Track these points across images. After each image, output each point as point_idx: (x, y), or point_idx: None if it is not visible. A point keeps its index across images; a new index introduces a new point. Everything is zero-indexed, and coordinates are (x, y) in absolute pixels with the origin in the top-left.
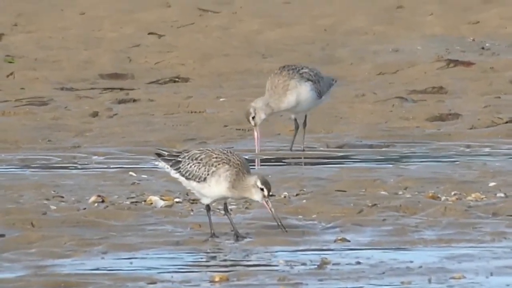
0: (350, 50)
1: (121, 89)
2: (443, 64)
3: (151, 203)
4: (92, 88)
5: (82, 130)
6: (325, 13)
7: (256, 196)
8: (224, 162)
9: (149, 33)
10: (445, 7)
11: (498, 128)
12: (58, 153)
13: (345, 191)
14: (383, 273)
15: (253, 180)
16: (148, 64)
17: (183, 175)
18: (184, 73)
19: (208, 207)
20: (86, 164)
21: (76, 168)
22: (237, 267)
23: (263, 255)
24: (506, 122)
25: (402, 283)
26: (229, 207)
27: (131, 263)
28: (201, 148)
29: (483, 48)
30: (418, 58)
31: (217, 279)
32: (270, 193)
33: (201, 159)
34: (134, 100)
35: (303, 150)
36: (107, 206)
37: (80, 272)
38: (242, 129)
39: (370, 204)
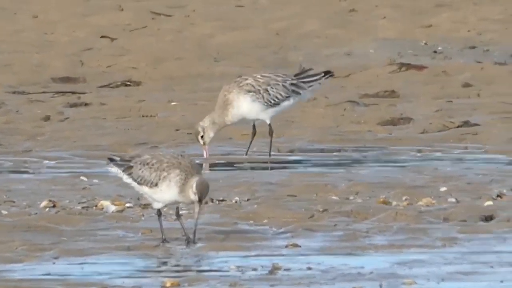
0: (303, 54)
1: (73, 92)
2: (395, 68)
3: (102, 208)
4: (44, 92)
5: (33, 134)
6: (277, 17)
7: (192, 197)
8: (175, 167)
9: (101, 37)
10: (398, 11)
11: (450, 133)
12: (9, 157)
13: (296, 196)
14: (334, 278)
15: (192, 181)
16: (100, 68)
17: (135, 180)
18: (136, 77)
19: (159, 212)
20: (37, 169)
21: (27, 173)
22: (189, 273)
23: (214, 261)
24: (458, 127)
25: None
26: (181, 212)
27: (82, 268)
28: (152, 153)
29: (435, 51)
30: (371, 61)
31: (168, 284)
32: (203, 201)
33: (152, 164)
34: (86, 104)
35: (270, 156)
36: (59, 211)
37: (31, 278)
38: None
39: (321, 209)
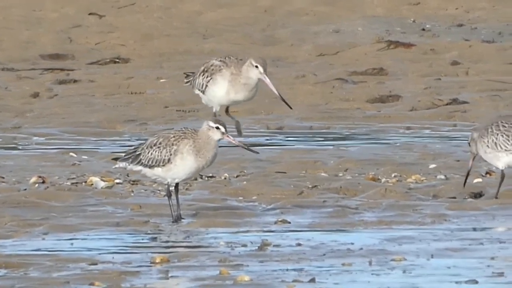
0: (291, 31)
1: (62, 69)
2: (383, 46)
3: (92, 184)
4: (32, 69)
5: (22, 111)
6: None
7: (216, 136)
8: (182, 138)
9: (90, 14)
10: None
11: (439, 110)
12: None
13: (285, 172)
14: (324, 254)
15: (206, 126)
16: (88, 45)
17: (146, 165)
18: (125, 54)
19: (169, 193)
20: (26, 145)
21: (16, 149)
22: (178, 249)
23: (204, 237)
24: (447, 104)
25: (343, 265)
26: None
27: (72, 244)
28: (156, 134)
29: (423, 29)
30: (359, 39)
31: (158, 260)
32: (226, 129)
33: (160, 143)
34: (75, 81)
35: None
36: (48, 187)
37: (21, 253)
38: (183, 110)
39: (310, 186)
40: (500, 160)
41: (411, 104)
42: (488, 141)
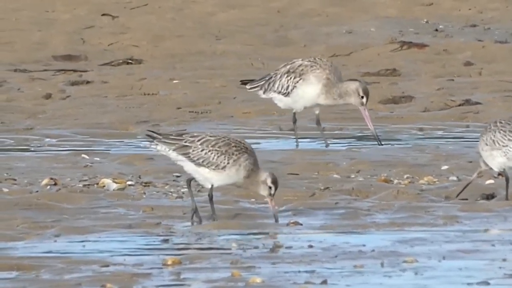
0: (303, 32)
1: (74, 70)
2: (396, 46)
3: (104, 186)
4: (45, 70)
5: (35, 112)
6: None
7: (263, 192)
8: (243, 151)
9: (102, 14)
10: None
11: (451, 111)
12: (10, 135)
13: (297, 174)
14: (336, 256)
15: (264, 177)
16: (101, 46)
17: (193, 161)
18: (138, 55)
19: (211, 196)
20: (38, 147)
21: (28, 151)
22: (190, 251)
23: (216, 238)
24: (459, 105)
25: (355, 266)
26: (182, 190)
27: (83, 246)
28: (212, 134)
29: (436, 30)
30: (372, 40)
31: (169, 262)
32: (275, 192)
33: (219, 147)
34: (87, 82)
35: (327, 146)
36: (60, 189)
37: (33, 255)
38: (195, 112)
39: (322, 188)
40: (495, 159)
41: (423, 105)
42: (486, 138)
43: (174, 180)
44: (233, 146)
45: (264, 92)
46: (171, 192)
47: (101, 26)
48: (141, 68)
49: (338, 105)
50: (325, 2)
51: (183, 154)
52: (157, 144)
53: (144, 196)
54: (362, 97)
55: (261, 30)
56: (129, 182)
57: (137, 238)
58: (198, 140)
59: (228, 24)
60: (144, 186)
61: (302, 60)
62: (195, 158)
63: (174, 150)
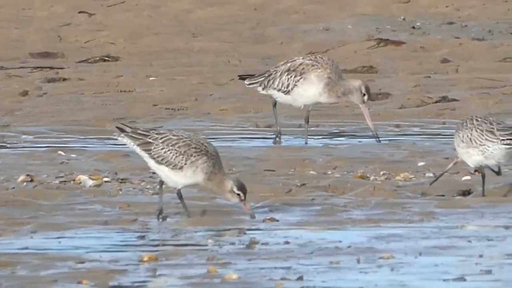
0: (281, 29)
1: (51, 68)
2: (373, 44)
3: (80, 183)
4: (22, 67)
5: (11, 109)
6: None
7: (234, 200)
8: (203, 154)
9: (79, 12)
10: None
11: (428, 108)
12: None
13: (274, 170)
14: (312, 252)
15: (230, 186)
16: (78, 43)
17: (153, 158)
18: (114, 52)
19: (180, 194)
20: (15, 143)
21: (5, 147)
22: (166, 247)
23: (192, 235)
24: (436, 102)
25: (331, 263)
26: (158, 186)
27: (59, 242)
28: (175, 133)
29: (413, 27)
30: (349, 37)
31: (145, 258)
32: (246, 196)
33: (178, 147)
34: (64, 79)
35: (306, 143)
36: (36, 186)
37: (9, 252)
38: (172, 109)
39: (299, 184)
40: (472, 157)
41: (400, 102)
42: (462, 135)
43: (150, 177)
44: (193, 147)
45: (263, 89)
46: (147, 188)
47: (78, 24)
48: (117, 65)
49: (340, 102)
50: None
51: (146, 151)
52: (123, 137)
53: (121, 193)
54: (364, 94)
55: (239, 27)
56: (105, 179)
57: (113, 235)
58: (161, 138)
59: (205, 22)
60: (121, 182)
61: (303, 58)
62: (155, 156)
63: (138, 145)
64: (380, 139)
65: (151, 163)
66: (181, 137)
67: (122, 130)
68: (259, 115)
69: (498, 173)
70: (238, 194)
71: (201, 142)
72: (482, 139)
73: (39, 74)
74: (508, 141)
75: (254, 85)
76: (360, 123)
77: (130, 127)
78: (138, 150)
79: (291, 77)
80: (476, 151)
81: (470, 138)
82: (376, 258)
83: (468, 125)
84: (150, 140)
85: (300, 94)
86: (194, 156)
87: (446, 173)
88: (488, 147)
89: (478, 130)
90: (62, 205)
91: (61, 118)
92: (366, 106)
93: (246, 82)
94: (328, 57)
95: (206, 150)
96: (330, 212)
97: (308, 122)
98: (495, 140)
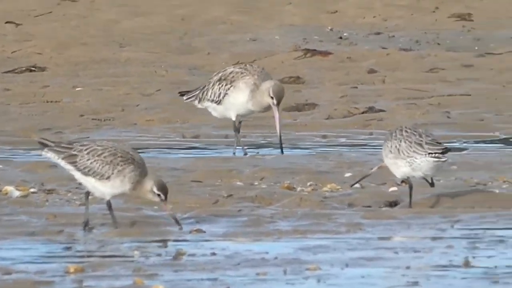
0: (208, 40)
1: None
2: (300, 54)
3: (7, 193)
4: None
5: None
6: (183, 3)
7: (154, 199)
8: (129, 162)
9: (6, 22)
10: None
11: (355, 118)
12: None
13: (200, 181)
14: (239, 264)
15: (150, 185)
16: (4, 53)
17: (79, 170)
18: (41, 62)
19: (109, 204)
20: None
21: None
22: (92, 258)
23: (119, 246)
24: (363, 113)
25: (258, 274)
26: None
27: None
28: (99, 144)
29: (340, 37)
30: (276, 47)
31: (72, 270)
32: (167, 197)
33: (104, 157)
34: None
35: (246, 154)
36: None
37: None
38: (98, 119)
39: (225, 195)
40: (399, 169)
41: (327, 112)
42: (391, 145)
43: (77, 188)
44: (119, 157)
45: (199, 102)
46: (74, 199)
47: (4, 34)
48: (44, 76)
49: (267, 109)
50: (230, 10)
51: (71, 163)
52: (47, 152)
53: (47, 204)
54: (272, 97)
55: (165, 37)
56: (32, 190)
57: (40, 246)
58: (86, 150)
59: (132, 32)
60: (47, 193)
61: (233, 67)
62: (81, 167)
63: (63, 158)
64: (284, 151)
65: (78, 175)
66: (106, 147)
67: (44, 145)
68: (186, 125)
69: (432, 184)
70: (158, 195)
71: (126, 151)
72: (410, 150)
73: None
74: (436, 154)
75: (191, 99)
76: (288, 134)
77: (53, 141)
78: (63, 163)
79: (222, 86)
80: (404, 163)
81: (399, 149)
82: (302, 269)
83: (398, 135)
84: (75, 153)
85: (231, 103)
86: (121, 165)
87: (371, 182)
88: (416, 159)
89: (407, 141)
90: None
91: None
92: (277, 109)
93: (184, 98)
94: (258, 65)
95: (132, 159)
96: (257, 223)
97: (238, 132)
98: (422, 153)
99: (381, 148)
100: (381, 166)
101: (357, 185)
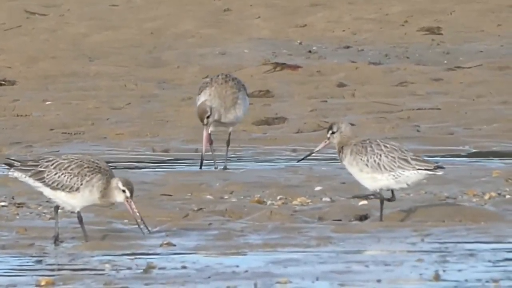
0: (177, 53)
1: None
2: (269, 68)
3: None
4: None
5: None
6: (152, 16)
7: (118, 197)
8: (96, 172)
9: None
10: (273, 10)
11: (324, 132)
12: None
13: (171, 195)
14: (209, 277)
15: (115, 182)
16: None
17: (48, 185)
18: (11, 76)
19: (80, 216)
20: None
21: None
22: (63, 271)
23: (89, 259)
24: None
25: (228, 287)
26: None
27: None
28: (65, 157)
29: (310, 51)
30: (245, 61)
31: (43, 283)
32: (132, 194)
33: (71, 169)
34: None
35: (216, 168)
36: None
37: None
38: (68, 133)
39: (196, 208)
40: (377, 182)
41: (297, 126)
42: (368, 159)
43: (47, 201)
44: (85, 168)
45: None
46: (44, 213)
47: None
48: (14, 90)
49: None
50: (199, 23)
51: (39, 180)
52: (13, 172)
53: (18, 217)
54: (208, 116)
55: (135, 51)
56: (2, 203)
57: (10, 259)
58: (52, 164)
59: (102, 46)
60: (18, 207)
61: (211, 77)
62: (50, 182)
63: (30, 176)
64: (202, 167)
65: (47, 191)
66: (71, 159)
67: (10, 165)
68: (156, 139)
69: (393, 197)
70: (124, 190)
71: (92, 161)
72: (395, 166)
73: None
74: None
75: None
76: (257, 148)
77: (18, 160)
78: (31, 181)
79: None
80: (385, 176)
81: (379, 164)
82: (273, 282)
83: (375, 150)
84: (42, 169)
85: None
86: (89, 176)
87: (343, 199)
88: (401, 173)
89: (389, 156)
90: None
91: None
92: (206, 128)
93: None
94: (228, 75)
95: (98, 167)
96: (227, 236)
97: (228, 144)
98: (410, 169)
99: None
100: (327, 144)
101: (327, 199)
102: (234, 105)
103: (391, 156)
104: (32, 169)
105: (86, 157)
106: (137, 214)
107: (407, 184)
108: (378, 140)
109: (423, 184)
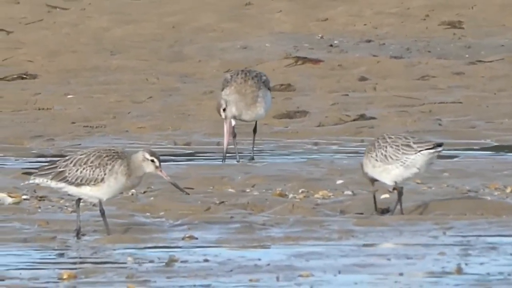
0: (198, 47)
1: None
2: (291, 62)
3: None
4: None
5: None
6: (173, 11)
7: (148, 168)
8: (116, 157)
9: None
10: (294, 4)
11: (346, 126)
12: None
13: (192, 188)
14: (231, 270)
15: (141, 155)
16: None
17: (72, 183)
18: (32, 70)
19: (103, 211)
20: None
21: None
22: (85, 265)
23: (112, 253)
24: (354, 120)
25: (250, 280)
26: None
27: None
28: (81, 153)
29: (331, 45)
30: (267, 55)
31: (65, 276)
32: (160, 163)
33: (91, 162)
34: None
35: (238, 161)
36: None
37: None
38: (90, 126)
39: (217, 202)
40: (390, 173)
41: (318, 120)
42: (376, 154)
43: (69, 195)
44: (105, 157)
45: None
46: (66, 206)
47: None
48: (35, 83)
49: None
50: (220, 17)
51: (62, 180)
52: (35, 178)
53: (39, 210)
54: (224, 109)
55: (156, 45)
56: (24, 197)
57: (33, 252)
58: (71, 162)
59: (123, 40)
60: (39, 200)
61: (231, 74)
62: (73, 180)
63: (52, 179)
64: (226, 160)
65: (72, 189)
66: (88, 152)
67: (29, 174)
68: (177, 132)
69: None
70: (152, 160)
71: (107, 149)
72: (399, 153)
73: None
74: (427, 149)
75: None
76: (279, 141)
77: (36, 168)
78: (54, 184)
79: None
80: (395, 165)
81: (385, 155)
82: (295, 276)
83: (381, 143)
84: (62, 169)
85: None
86: (110, 164)
87: (364, 192)
88: (407, 158)
89: (393, 146)
90: None
91: None
92: (226, 121)
93: None
94: (248, 74)
95: (116, 153)
96: (249, 230)
97: (255, 132)
98: (413, 152)
99: None
100: None
101: (348, 192)
102: (254, 103)
103: (395, 145)
104: (52, 172)
105: (101, 147)
106: (173, 181)
107: (417, 168)
108: (384, 134)
109: (445, 178)
